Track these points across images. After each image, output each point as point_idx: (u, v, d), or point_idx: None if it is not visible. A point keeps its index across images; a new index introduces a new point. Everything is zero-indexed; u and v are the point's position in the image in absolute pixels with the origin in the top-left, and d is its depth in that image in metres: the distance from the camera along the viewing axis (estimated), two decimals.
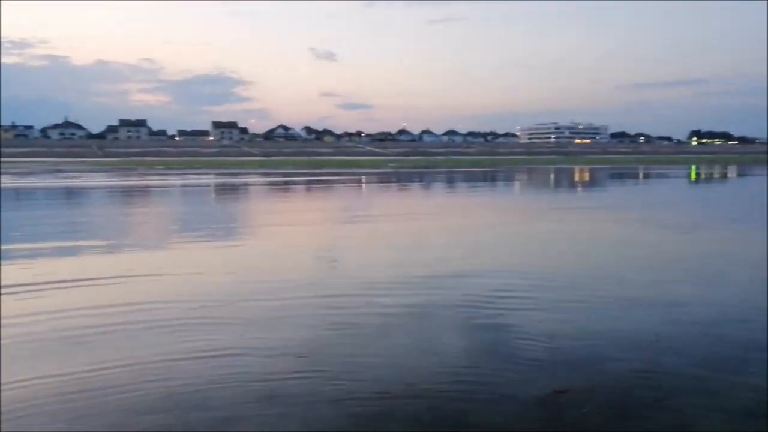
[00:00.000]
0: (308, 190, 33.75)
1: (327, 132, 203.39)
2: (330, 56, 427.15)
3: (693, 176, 48.99)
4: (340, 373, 5.53)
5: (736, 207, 23.17)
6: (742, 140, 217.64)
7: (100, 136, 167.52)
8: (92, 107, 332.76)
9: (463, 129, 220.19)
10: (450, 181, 41.82)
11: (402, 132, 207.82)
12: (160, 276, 9.87)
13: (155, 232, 16.15)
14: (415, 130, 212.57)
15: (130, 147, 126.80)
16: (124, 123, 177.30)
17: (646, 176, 47.67)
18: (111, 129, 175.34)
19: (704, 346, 6.26)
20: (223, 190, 33.57)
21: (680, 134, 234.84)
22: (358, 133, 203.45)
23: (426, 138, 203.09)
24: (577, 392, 5.08)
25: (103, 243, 13.33)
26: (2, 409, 4.75)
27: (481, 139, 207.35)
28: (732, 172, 55.89)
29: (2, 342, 6.32)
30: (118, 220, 18.85)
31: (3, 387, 5.17)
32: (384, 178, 43.59)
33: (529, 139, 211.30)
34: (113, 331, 6.82)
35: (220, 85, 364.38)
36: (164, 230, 16.49)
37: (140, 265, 10.59)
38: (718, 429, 4.52)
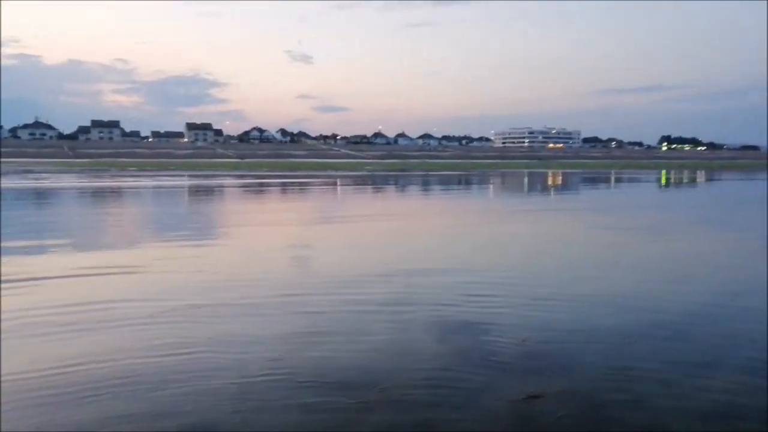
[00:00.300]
0: (282, 192, 33.58)
1: (302, 134, 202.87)
2: (306, 58, 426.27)
3: (663, 180, 49.83)
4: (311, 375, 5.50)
5: (703, 210, 23.64)
6: (711, 146, 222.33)
7: (72, 136, 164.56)
8: (64, 107, 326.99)
9: (438, 132, 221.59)
10: (424, 184, 41.92)
11: (377, 135, 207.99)
12: (131, 275, 9.72)
13: (125, 232, 15.86)
14: (391, 133, 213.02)
15: (102, 148, 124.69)
16: (97, 124, 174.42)
17: (618, 180, 48.35)
18: (83, 130, 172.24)
19: (674, 347, 6.36)
20: (196, 191, 33.20)
21: (651, 139, 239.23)
22: (334, 136, 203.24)
23: (401, 141, 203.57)
24: (550, 396, 5.11)
25: (72, 242, 13.12)
26: None
27: (456, 143, 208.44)
28: (700, 177, 57.07)
29: None
30: (88, 220, 18.52)
31: None
32: (359, 181, 43.54)
33: (503, 143, 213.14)
34: (83, 329, 6.69)
35: (195, 86, 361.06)
36: (134, 230, 16.21)
37: (110, 264, 10.38)
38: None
